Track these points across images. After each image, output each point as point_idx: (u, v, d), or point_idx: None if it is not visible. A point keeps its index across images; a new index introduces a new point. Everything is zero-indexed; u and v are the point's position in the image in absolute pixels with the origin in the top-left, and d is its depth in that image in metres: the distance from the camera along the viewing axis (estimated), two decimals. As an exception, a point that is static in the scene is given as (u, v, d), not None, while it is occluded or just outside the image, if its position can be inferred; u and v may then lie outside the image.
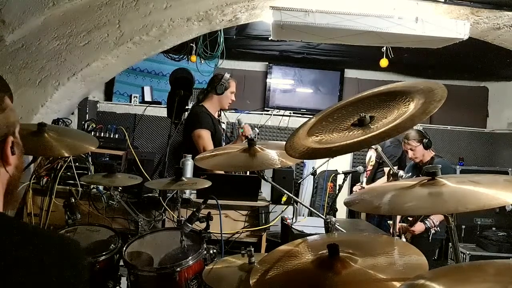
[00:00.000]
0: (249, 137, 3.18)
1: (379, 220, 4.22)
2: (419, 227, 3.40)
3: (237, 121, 3.27)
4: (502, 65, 5.26)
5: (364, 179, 4.43)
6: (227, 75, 3.25)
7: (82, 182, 2.59)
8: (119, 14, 3.02)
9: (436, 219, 3.41)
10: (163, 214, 2.65)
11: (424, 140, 3.58)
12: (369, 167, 4.49)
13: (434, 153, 3.67)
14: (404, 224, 3.43)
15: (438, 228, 3.44)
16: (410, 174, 3.91)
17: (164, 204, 2.58)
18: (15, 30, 2.87)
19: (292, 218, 2.68)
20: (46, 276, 0.78)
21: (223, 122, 3.50)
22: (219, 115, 3.50)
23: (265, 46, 5.22)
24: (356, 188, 4.42)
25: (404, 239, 3.24)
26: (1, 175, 0.91)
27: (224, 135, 3.35)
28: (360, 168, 4.17)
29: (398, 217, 3.43)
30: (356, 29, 3.05)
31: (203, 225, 2.07)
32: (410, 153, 3.66)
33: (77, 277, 0.83)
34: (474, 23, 3.23)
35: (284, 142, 1.53)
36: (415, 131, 3.68)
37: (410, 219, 3.39)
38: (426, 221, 3.42)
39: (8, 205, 0.93)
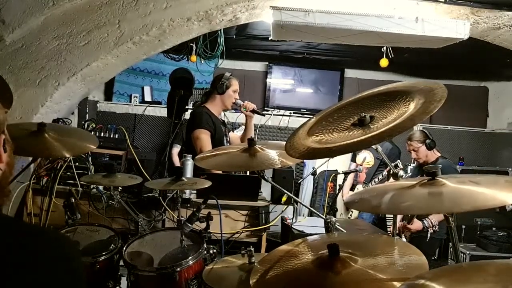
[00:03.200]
0: (255, 109, 3.19)
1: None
2: (416, 224, 3.39)
3: (236, 104, 3.25)
4: (502, 65, 5.27)
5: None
6: (227, 74, 3.24)
7: (82, 182, 2.59)
8: (119, 14, 3.02)
9: (435, 219, 3.40)
10: (163, 214, 2.65)
11: (427, 140, 3.57)
12: (364, 169, 4.48)
13: (439, 154, 3.66)
14: (401, 223, 3.43)
15: (436, 228, 3.43)
16: (410, 174, 3.93)
17: (164, 204, 2.58)
18: (15, 30, 2.87)
19: (292, 218, 2.68)
20: (40, 275, 0.78)
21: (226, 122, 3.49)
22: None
23: (265, 46, 5.23)
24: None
25: (404, 239, 3.24)
26: None
27: (227, 135, 3.32)
28: (360, 168, 4.18)
29: (399, 217, 3.46)
30: (356, 29, 3.05)
31: (203, 225, 2.07)
32: (413, 154, 3.66)
33: (73, 276, 0.83)
34: (474, 23, 3.23)
35: (284, 142, 1.53)
36: (418, 132, 3.67)
37: (409, 216, 3.39)
38: (424, 220, 3.42)
39: None
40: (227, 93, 3.20)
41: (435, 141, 3.69)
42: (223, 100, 3.22)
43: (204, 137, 3.08)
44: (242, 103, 3.20)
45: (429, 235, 3.44)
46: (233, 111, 5.07)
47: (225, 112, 3.49)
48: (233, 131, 4.23)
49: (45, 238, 0.86)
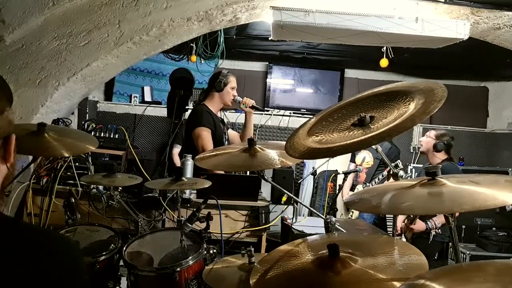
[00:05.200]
0: (254, 105, 3.19)
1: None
2: (419, 225, 3.40)
3: (235, 100, 3.25)
4: (502, 65, 5.27)
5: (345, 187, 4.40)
6: (224, 71, 3.25)
7: (82, 182, 2.59)
8: (119, 14, 3.02)
9: (439, 220, 3.41)
10: (163, 214, 2.65)
11: (437, 141, 3.60)
12: (364, 169, 4.48)
13: (446, 157, 3.68)
14: (403, 223, 3.43)
15: (439, 230, 3.44)
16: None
17: (164, 204, 2.58)
18: (15, 30, 2.87)
19: (292, 218, 2.68)
20: (44, 275, 0.78)
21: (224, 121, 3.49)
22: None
23: (265, 46, 5.23)
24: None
25: (404, 239, 3.25)
26: (1, 172, 0.92)
27: (226, 133, 3.32)
28: (359, 168, 4.18)
29: (401, 217, 3.47)
30: (356, 29, 3.05)
31: (203, 225, 2.07)
32: (421, 140, 3.74)
33: (76, 275, 0.84)
34: (474, 23, 3.23)
35: (284, 142, 1.53)
36: (441, 131, 3.71)
37: (411, 216, 3.40)
38: (428, 221, 3.42)
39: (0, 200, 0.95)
40: (225, 90, 3.21)
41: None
42: (221, 98, 3.23)
43: (206, 135, 3.07)
44: (241, 99, 3.21)
45: (431, 237, 3.45)
46: (233, 110, 5.09)
47: (224, 112, 3.49)
48: (234, 130, 4.22)
49: (47, 238, 0.86)
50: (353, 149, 1.33)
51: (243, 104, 3.20)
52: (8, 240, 0.79)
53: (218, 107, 3.29)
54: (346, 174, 3.77)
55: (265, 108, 5.70)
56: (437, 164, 3.56)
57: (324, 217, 1.73)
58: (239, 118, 5.18)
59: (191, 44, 4.86)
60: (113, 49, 3.10)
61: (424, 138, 3.72)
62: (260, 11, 3.23)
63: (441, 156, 3.65)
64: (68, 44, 3.06)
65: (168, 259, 1.99)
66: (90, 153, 2.84)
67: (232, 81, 3.24)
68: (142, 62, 5.22)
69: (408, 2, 3.11)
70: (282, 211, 2.85)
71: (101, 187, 2.69)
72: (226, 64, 5.41)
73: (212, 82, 3.26)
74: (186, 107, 3.59)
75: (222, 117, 3.40)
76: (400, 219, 3.48)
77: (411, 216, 3.40)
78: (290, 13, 2.99)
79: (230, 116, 5.05)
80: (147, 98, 5.68)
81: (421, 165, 4.86)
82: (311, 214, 3.55)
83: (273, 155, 1.86)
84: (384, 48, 3.87)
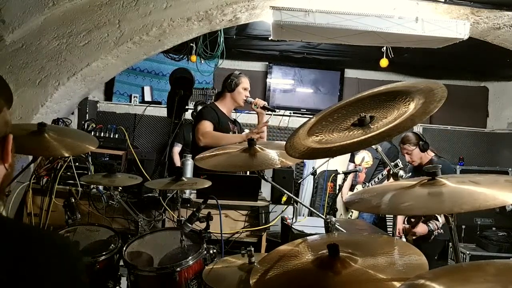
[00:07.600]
0: (265, 106, 3.19)
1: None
2: (421, 228, 3.37)
3: (247, 101, 3.26)
4: (502, 65, 5.27)
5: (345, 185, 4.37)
6: (236, 72, 3.31)
7: (82, 182, 2.59)
8: (119, 14, 3.02)
9: (440, 221, 3.40)
10: (163, 214, 2.65)
11: (420, 142, 3.52)
12: (363, 169, 4.47)
13: (433, 154, 3.63)
14: (407, 226, 3.42)
15: (441, 230, 3.42)
16: (410, 174, 3.91)
17: (164, 204, 2.58)
18: (15, 30, 2.87)
19: (292, 218, 2.68)
20: (43, 279, 0.77)
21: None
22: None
23: (265, 46, 5.22)
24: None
25: (404, 239, 3.24)
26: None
27: (235, 133, 3.32)
28: (359, 168, 4.18)
29: (400, 218, 3.45)
30: (356, 29, 3.05)
31: (203, 225, 2.07)
32: (407, 157, 3.60)
33: (75, 279, 0.83)
34: (474, 23, 3.23)
35: (284, 142, 1.53)
36: (411, 134, 3.58)
37: (413, 220, 3.38)
38: (429, 224, 3.41)
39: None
40: (237, 90, 3.25)
41: (436, 141, 3.66)
42: (233, 98, 3.27)
43: (206, 123, 3.10)
44: (253, 100, 3.24)
45: (432, 238, 3.43)
46: (232, 111, 5.08)
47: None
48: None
49: (46, 239, 0.86)
50: (353, 149, 1.33)
51: (255, 105, 3.21)
52: (5, 242, 0.78)
53: (230, 108, 3.32)
54: (346, 174, 3.77)
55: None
56: (428, 161, 3.54)
57: (324, 217, 1.73)
58: (239, 118, 5.17)
59: (191, 44, 4.86)
60: (113, 49, 3.10)
61: (409, 157, 3.57)
62: (260, 11, 3.23)
63: (430, 154, 3.61)
64: (68, 44, 3.06)
65: (168, 259, 1.99)
66: (90, 153, 2.84)
67: (244, 82, 3.27)
68: (142, 62, 5.22)
69: (408, 2, 3.11)
70: (282, 211, 2.86)
71: (101, 187, 2.70)
72: (226, 64, 5.41)
73: (224, 83, 3.30)
74: (186, 107, 3.60)
75: (234, 118, 3.43)
76: (400, 220, 3.46)
77: (412, 220, 3.39)
78: (290, 13, 2.99)
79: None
80: (147, 98, 5.68)
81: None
82: (311, 214, 3.55)
83: (273, 155, 1.86)
84: (384, 48, 3.87)
